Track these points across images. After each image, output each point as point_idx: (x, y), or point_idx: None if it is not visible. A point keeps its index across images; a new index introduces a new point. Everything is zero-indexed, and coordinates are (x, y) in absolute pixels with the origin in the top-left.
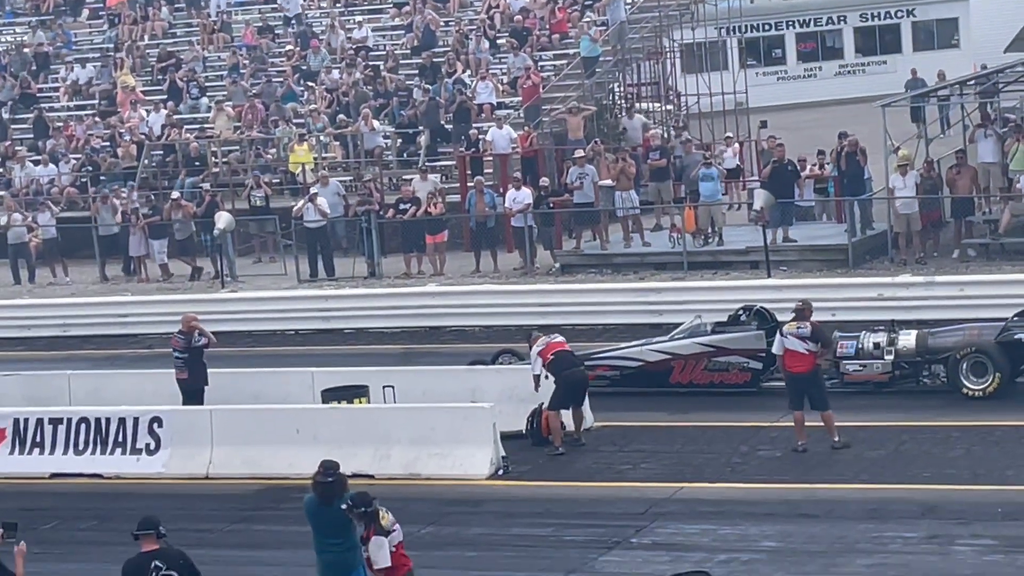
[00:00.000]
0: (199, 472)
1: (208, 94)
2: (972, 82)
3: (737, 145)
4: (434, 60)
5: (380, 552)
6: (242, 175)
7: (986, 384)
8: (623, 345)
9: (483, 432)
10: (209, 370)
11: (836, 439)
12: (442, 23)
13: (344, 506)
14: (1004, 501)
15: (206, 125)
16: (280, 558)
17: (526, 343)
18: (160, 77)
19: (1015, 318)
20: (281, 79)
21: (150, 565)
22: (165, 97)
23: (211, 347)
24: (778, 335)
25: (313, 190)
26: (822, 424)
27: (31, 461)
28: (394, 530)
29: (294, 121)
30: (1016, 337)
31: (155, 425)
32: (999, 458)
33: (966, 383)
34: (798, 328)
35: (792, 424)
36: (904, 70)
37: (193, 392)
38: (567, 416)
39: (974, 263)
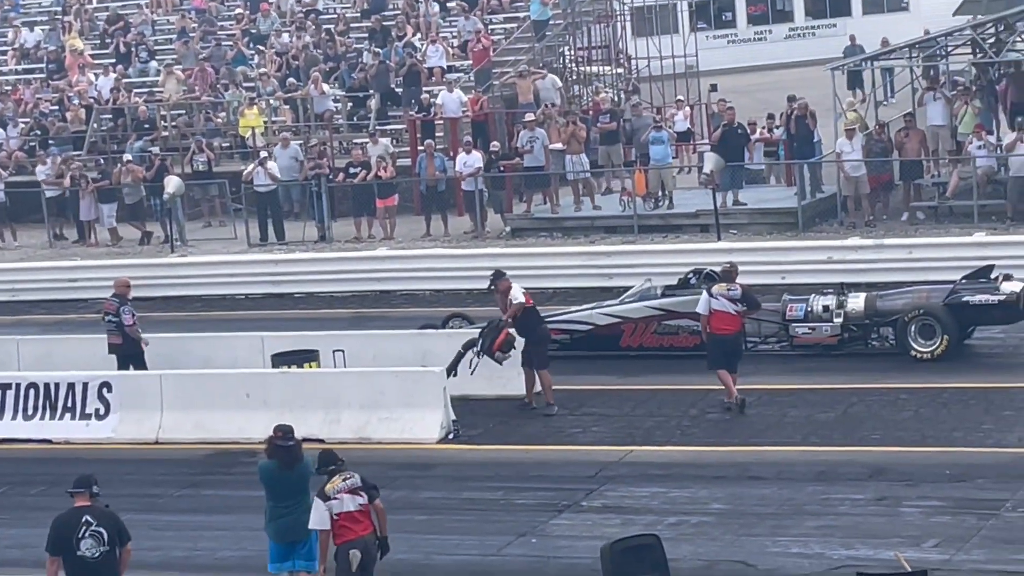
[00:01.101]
0: (149, 437)
1: (157, 58)
2: (918, 46)
3: (688, 108)
4: (384, 23)
5: (315, 514)
6: (191, 139)
7: (934, 346)
8: (573, 309)
9: (433, 396)
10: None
11: (731, 399)
12: None
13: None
14: (952, 463)
15: (155, 89)
16: (229, 523)
17: (478, 307)
18: (109, 40)
19: (963, 281)
20: (231, 43)
21: (81, 519)
22: (114, 61)
23: (131, 333)
24: (705, 294)
25: (267, 152)
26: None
27: None
28: (336, 498)
29: (244, 85)
30: (964, 299)
31: (104, 390)
32: (947, 420)
33: (914, 345)
34: (729, 289)
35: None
36: (854, 32)
37: (130, 357)
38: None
39: (922, 226)
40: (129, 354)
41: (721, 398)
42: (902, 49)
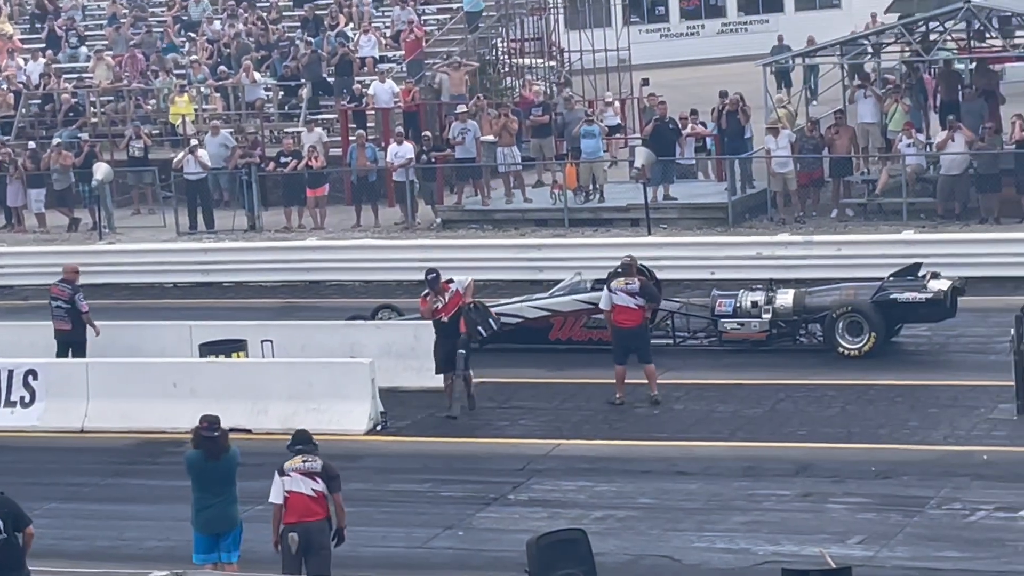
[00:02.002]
0: (74, 425)
1: (87, 43)
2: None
3: (618, 104)
4: (317, 12)
5: (272, 487)
6: (121, 126)
7: (861, 343)
8: (503, 301)
9: (361, 387)
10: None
11: (655, 392)
12: None
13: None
14: (877, 460)
15: (85, 75)
16: (156, 513)
17: (407, 299)
18: (39, 25)
19: (891, 278)
20: (162, 29)
21: None
22: (43, 46)
23: (87, 321)
24: (606, 290)
25: (199, 139)
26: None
27: None
28: (289, 476)
29: (175, 72)
30: (891, 297)
31: (30, 378)
32: (873, 417)
33: (842, 342)
34: (627, 284)
35: (614, 380)
36: (786, 29)
37: (74, 344)
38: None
39: (852, 223)
40: (75, 341)
41: (647, 391)
42: (833, 46)
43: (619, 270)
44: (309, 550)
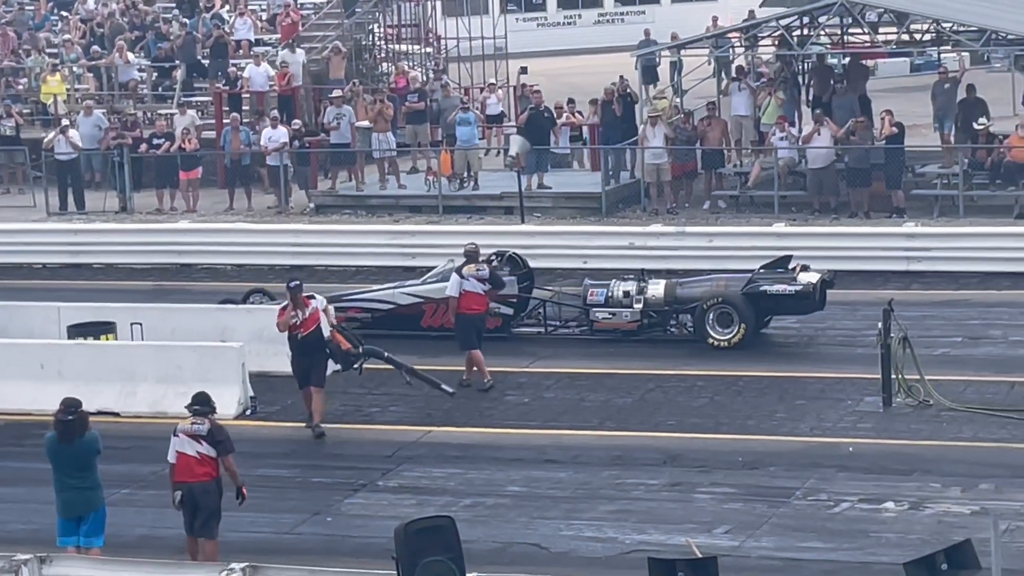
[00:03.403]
0: None
1: None
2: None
3: (500, 91)
4: None
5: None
6: None
7: (731, 335)
8: (375, 287)
9: (231, 371)
10: None
11: (486, 380)
12: None
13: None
14: (745, 450)
15: None
16: (20, 495)
17: (279, 283)
18: None
19: (761, 270)
20: (34, 7)
21: None
22: None
23: None
24: (455, 277)
25: (71, 120)
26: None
27: None
28: (178, 436)
29: (47, 51)
30: (761, 289)
31: None
32: (741, 408)
33: (712, 333)
34: (478, 270)
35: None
36: (662, 21)
37: None
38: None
39: (723, 215)
40: None
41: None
42: (709, 39)
43: (465, 258)
44: (195, 511)
